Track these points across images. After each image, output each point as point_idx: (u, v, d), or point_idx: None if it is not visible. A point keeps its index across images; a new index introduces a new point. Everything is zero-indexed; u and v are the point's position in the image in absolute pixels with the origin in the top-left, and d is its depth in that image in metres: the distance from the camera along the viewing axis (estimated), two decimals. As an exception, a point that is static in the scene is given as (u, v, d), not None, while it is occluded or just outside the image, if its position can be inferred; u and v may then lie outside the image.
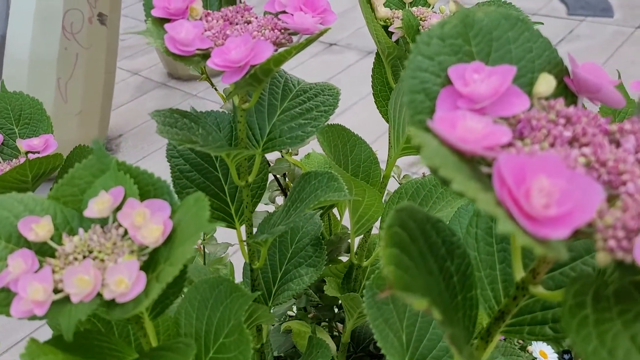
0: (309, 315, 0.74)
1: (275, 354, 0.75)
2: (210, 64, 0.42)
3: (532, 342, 0.82)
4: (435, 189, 0.65)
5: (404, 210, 0.32)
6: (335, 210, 0.75)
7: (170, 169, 0.53)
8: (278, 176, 0.70)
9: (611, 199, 0.27)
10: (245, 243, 0.57)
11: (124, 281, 0.34)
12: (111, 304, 0.36)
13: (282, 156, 0.69)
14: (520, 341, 0.85)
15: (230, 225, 0.57)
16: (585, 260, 0.37)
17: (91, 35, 1.99)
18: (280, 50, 0.43)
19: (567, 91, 0.34)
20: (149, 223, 0.36)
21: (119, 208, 0.38)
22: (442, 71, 0.31)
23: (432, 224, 0.34)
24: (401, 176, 0.76)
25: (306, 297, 0.74)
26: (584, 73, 0.32)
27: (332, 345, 0.72)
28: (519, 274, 0.34)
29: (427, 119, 0.28)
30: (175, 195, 0.41)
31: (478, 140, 0.26)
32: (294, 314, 0.83)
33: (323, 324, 0.76)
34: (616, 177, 0.27)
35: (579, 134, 0.29)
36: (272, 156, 0.70)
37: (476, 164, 0.27)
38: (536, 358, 0.79)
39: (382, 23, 0.58)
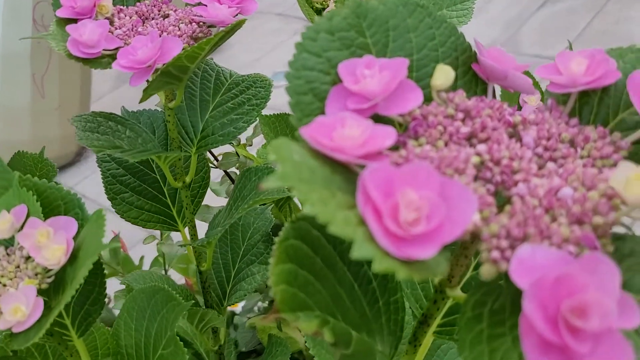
0: (274, 309, 0.72)
1: (244, 349, 0.74)
2: (115, 66, 0.40)
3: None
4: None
5: (304, 219, 0.29)
6: (296, 199, 0.73)
7: (102, 174, 0.51)
8: (231, 169, 0.68)
9: (505, 203, 0.25)
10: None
11: (21, 309, 0.32)
12: (13, 334, 0.34)
13: (234, 148, 0.66)
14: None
15: (174, 228, 0.55)
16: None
17: (64, 28, 1.94)
18: (194, 45, 0.40)
19: (477, 79, 0.31)
20: (51, 243, 0.35)
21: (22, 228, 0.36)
22: (332, 68, 0.28)
23: (343, 229, 0.32)
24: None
25: (272, 290, 0.73)
26: (488, 60, 0.29)
27: (300, 338, 0.71)
28: (437, 279, 0.32)
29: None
30: (86, 210, 0.39)
31: (355, 148, 0.24)
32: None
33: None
34: (509, 176, 0.25)
35: (478, 130, 0.27)
36: (223, 149, 0.67)
37: (356, 178, 0.25)
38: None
39: (318, 6, 0.55)
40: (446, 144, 0.26)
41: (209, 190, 0.58)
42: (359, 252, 0.19)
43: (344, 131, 0.24)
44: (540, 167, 0.25)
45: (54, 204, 0.39)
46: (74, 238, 0.35)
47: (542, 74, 0.29)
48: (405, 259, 0.20)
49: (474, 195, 0.21)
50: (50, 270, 0.35)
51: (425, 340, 0.37)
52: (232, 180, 0.67)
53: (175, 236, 0.73)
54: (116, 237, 0.77)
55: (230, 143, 0.69)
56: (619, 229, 0.26)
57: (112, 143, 0.45)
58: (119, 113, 0.54)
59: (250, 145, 0.70)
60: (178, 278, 0.81)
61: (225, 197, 0.72)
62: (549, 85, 0.29)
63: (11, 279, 0.34)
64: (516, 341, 0.22)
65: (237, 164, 0.64)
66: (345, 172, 0.24)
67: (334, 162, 0.24)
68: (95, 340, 0.47)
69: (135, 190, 0.52)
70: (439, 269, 0.22)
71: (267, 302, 0.77)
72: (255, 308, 0.80)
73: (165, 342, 0.45)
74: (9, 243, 0.37)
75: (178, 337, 0.44)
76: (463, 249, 0.28)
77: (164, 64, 0.40)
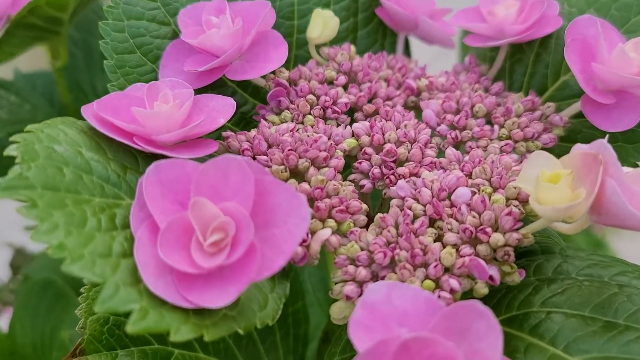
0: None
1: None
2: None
3: None
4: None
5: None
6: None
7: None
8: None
9: (383, 201, 0.18)
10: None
11: None
12: None
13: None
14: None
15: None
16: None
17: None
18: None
19: (385, 28, 0.24)
20: None
21: None
22: (172, 16, 0.21)
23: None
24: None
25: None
26: (391, 3, 0.21)
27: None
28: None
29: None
30: None
31: (162, 131, 0.16)
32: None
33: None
34: (392, 169, 0.17)
35: (364, 100, 0.19)
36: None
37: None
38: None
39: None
40: (320, 119, 0.19)
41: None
42: (110, 304, 0.13)
43: (154, 107, 0.17)
44: (442, 151, 0.18)
45: None
46: None
47: (460, 21, 0.21)
48: (196, 307, 0.13)
49: (306, 206, 0.14)
50: None
51: None
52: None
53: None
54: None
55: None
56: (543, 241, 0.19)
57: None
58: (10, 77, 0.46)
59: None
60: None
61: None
62: (468, 37, 0.21)
63: None
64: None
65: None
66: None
67: (128, 156, 0.17)
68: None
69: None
70: (265, 315, 0.15)
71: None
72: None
73: (60, 344, 0.40)
74: None
75: (67, 342, 0.38)
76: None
77: (16, 14, 0.32)
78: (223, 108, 0.18)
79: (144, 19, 0.20)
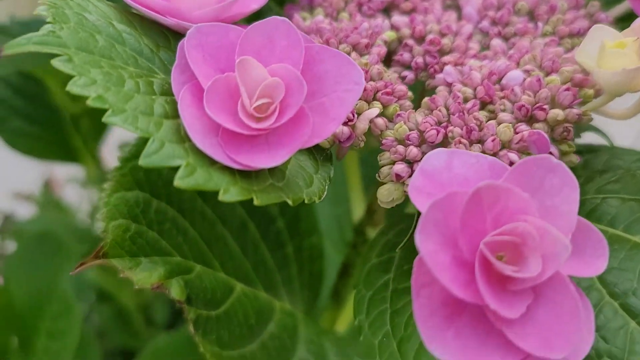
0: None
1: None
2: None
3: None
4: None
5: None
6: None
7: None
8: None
9: (425, 93, 0.17)
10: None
11: None
12: None
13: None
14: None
15: (76, 161, 0.46)
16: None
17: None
18: None
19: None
20: None
21: None
22: None
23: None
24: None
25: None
26: None
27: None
28: (358, 214, 0.25)
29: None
30: None
31: (195, 8, 0.15)
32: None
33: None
34: (435, 58, 0.16)
35: (400, -3, 0.19)
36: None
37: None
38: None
39: None
40: (357, 13, 0.18)
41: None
42: (155, 159, 0.12)
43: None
44: (485, 48, 0.17)
45: None
46: None
47: None
48: (244, 168, 0.12)
49: (359, 70, 0.13)
50: None
51: (351, 295, 0.30)
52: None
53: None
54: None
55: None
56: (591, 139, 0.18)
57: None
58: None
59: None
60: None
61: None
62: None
63: None
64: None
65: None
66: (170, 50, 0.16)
67: (159, 34, 0.16)
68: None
69: (28, 116, 0.44)
70: (312, 192, 0.14)
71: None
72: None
73: (56, 297, 0.38)
74: None
75: (70, 292, 0.37)
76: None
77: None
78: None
79: None
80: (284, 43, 0.13)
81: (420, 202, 0.12)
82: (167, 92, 0.14)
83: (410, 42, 0.17)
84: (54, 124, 0.45)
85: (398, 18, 0.17)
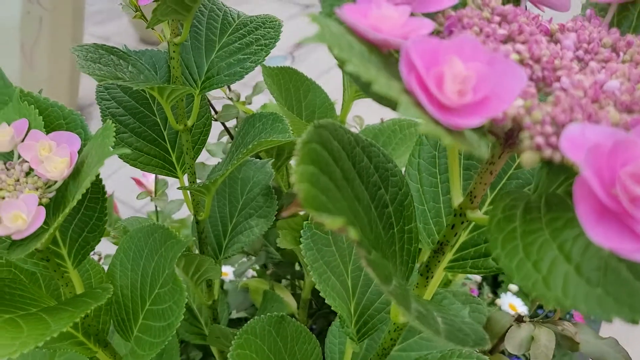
0: (268, 272, 0.70)
1: (235, 314, 0.73)
2: (126, -16, 0.38)
3: (501, 295, 0.80)
4: (394, 134, 0.62)
5: (325, 128, 0.28)
6: (292, 162, 0.72)
7: (101, 112, 0.49)
8: (228, 126, 0.66)
9: (543, 97, 0.24)
10: (189, 193, 0.54)
11: (21, 217, 0.30)
12: (13, 244, 0.32)
13: (232, 102, 0.65)
14: (490, 295, 0.83)
15: (172, 174, 0.53)
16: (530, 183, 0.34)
17: (54, -3, 1.90)
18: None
19: (508, -5, 0.30)
20: (54, 156, 0.33)
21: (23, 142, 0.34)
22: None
23: (362, 148, 0.31)
24: (363, 126, 0.72)
25: (266, 254, 0.71)
26: (524, -31, 0.28)
27: (292, 302, 0.69)
28: (457, 199, 0.31)
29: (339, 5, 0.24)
30: (89, 131, 0.37)
31: (393, 29, 0.23)
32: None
33: (284, 281, 0.73)
34: (551, 73, 0.23)
35: (515, 32, 0.26)
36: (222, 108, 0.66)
37: (394, 60, 0.23)
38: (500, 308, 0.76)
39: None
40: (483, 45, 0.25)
41: (204, 151, 0.57)
42: (405, 112, 0.18)
43: (381, 12, 0.23)
44: (582, 68, 0.24)
45: (55, 123, 0.37)
46: (78, 152, 0.33)
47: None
48: (451, 126, 0.19)
49: (522, 71, 0.20)
50: (52, 185, 0.33)
51: (437, 274, 0.36)
52: (231, 136, 0.66)
53: (171, 194, 0.71)
54: (110, 197, 0.75)
55: (230, 99, 0.67)
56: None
57: (114, 74, 0.44)
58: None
59: (250, 104, 0.68)
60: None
61: (222, 158, 0.71)
62: (588, -5, 0.28)
63: (10, 192, 0.33)
64: (556, 233, 0.21)
65: (237, 118, 0.63)
66: (381, 56, 0.23)
67: (370, 44, 0.23)
68: (90, 278, 0.45)
69: (135, 132, 0.51)
70: (481, 148, 0.20)
71: (257, 267, 0.76)
72: (247, 274, 0.79)
73: (163, 281, 0.44)
74: (7, 158, 0.35)
75: (177, 275, 0.42)
76: (489, 164, 0.27)
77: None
78: (425, 23, 0.24)
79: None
80: (471, 48, 0.20)
81: (573, 154, 0.18)
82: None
83: (530, 62, 0.24)
84: (156, 141, 0.52)
85: (518, 46, 0.24)
